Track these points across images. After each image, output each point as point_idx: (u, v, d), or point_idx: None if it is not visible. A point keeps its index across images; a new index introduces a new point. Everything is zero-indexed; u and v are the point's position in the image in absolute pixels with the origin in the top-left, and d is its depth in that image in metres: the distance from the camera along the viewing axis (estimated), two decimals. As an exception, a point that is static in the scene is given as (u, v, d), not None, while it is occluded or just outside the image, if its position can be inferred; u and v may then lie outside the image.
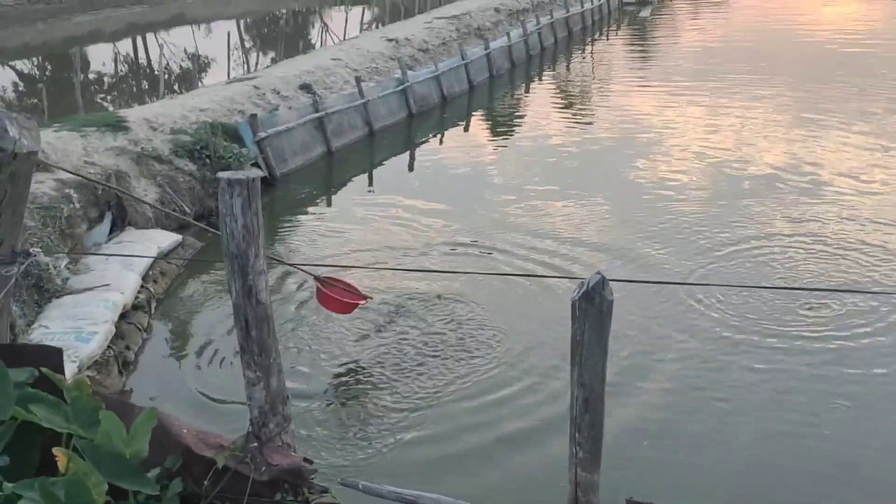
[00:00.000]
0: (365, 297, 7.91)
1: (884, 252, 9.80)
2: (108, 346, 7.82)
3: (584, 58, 27.43)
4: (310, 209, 12.65)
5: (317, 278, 7.69)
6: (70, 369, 6.77)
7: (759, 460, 6.17)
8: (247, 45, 32.67)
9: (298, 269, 8.26)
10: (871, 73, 21.21)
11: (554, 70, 25.56)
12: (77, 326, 7.76)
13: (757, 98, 18.82)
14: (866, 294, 8.60)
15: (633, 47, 29.34)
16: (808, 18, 33.32)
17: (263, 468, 4.20)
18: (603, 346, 3.70)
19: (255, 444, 4.28)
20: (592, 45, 30.04)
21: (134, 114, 12.97)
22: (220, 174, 4.05)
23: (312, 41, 32.25)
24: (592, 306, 3.60)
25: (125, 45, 30.88)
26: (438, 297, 9.00)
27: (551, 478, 5.61)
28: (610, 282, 3.63)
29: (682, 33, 31.71)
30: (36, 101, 18.80)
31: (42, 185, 9.56)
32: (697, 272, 9.41)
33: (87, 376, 7.18)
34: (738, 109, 17.84)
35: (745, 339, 7.93)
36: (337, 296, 7.67)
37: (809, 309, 8.39)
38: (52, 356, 4.33)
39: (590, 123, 17.73)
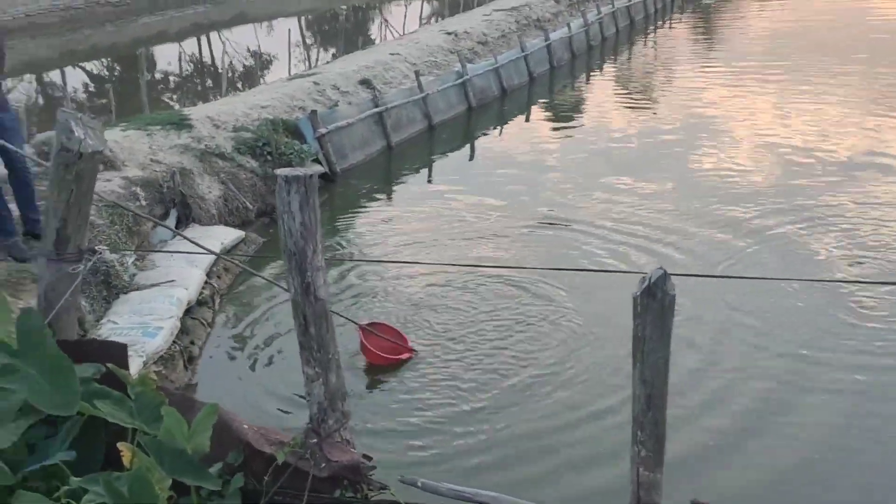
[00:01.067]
0: (410, 351, 7.69)
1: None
2: (174, 341, 7.94)
3: (646, 47, 27.01)
4: (370, 204, 12.70)
5: (361, 327, 7.57)
6: (136, 364, 6.92)
7: (829, 472, 5.94)
8: (307, 41, 32.98)
9: (340, 315, 8.02)
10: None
11: (615, 60, 25.21)
12: (143, 321, 7.90)
13: (829, 85, 18.26)
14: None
15: (697, 35, 28.77)
16: (882, 2, 32.19)
17: (323, 464, 4.20)
18: (665, 342, 3.60)
19: (315, 440, 4.29)
20: (655, 33, 29.55)
21: (197, 112, 13.18)
22: (278, 171, 4.06)
23: (372, 36, 32.42)
24: (654, 301, 3.51)
25: (190, 45, 31.47)
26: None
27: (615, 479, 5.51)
28: (672, 276, 3.53)
29: (748, 19, 30.95)
30: (105, 101, 19.26)
31: (110, 184, 9.78)
32: (763, 265, 9.18)
33: (154, 371, 7.34)
34: (808, 97, 17.34)
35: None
36: (377, 350, 7.51)
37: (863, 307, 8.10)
38: (117, 352, 4.41)
39: (653, 113, 17.45)
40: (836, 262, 9.20)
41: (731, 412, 6.65)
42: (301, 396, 6.66)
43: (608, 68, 23.96)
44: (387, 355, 7.56)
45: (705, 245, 9.91)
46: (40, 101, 23.40)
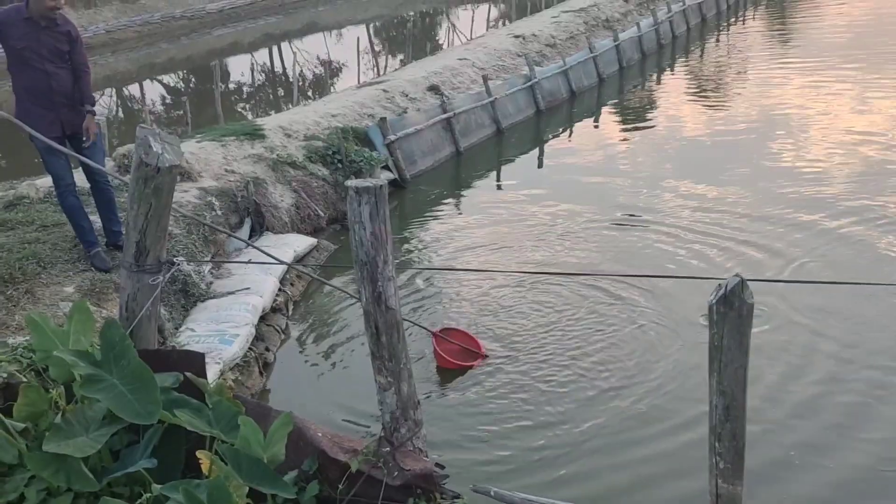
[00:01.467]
0: (482, 356, 7.71)
1: None
2: (249, 348, 8.09)
3: (718, 44, 26.46)
4: (440, 209, 12.74)
5: (434, 334, 7.64)
6: (214, 371, 7.07)
7: None
8: (376, 48, 33.30)
9: (412, 323, 7.97)
10: None
11: (687, 59, 24.75)
12: (220, 329, 8.06)
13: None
14: None
15: (772, 31, 28.05)
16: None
17: (396, 473, 4.23)
18: (744, 352, 3.51)
19: (388, 448, 4.32)
20: (728, 30, 28.93)
21: (270, 122, 13.42)
22: (348, 182, 4.10)
23: (440, 41, 32.55)
24: (732, 310, 3.43)
25: (262, 55, 32.10)
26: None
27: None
28: (749, 282, 3.44)
29: (826, 12, 30.00)
30: (181, 112, 19.80)
31: (186, 194, 10.03)
32: (843, 266, 8.89)
33: (230, 378, 7.49)
34: (889, 91, 16.73)
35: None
36: (449, 356, 7.57)
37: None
38: (195, 361, 4.52)
39: (727, 112, 17.07)
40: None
41: (813, 425, 6.44)
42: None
43: (679, 67, 23.54)
44: (458, 361, 7.57)
45: (783, 244, 9.65)
46: (121, 114, 24.20)
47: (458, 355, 7.63)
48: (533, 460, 6.21)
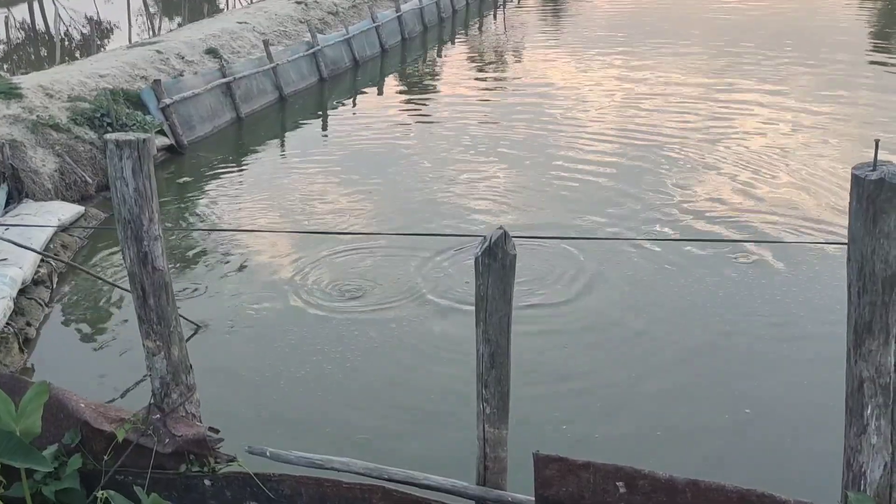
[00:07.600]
0: None
1: (787, 206, 10.15)
2: (7, 323, 7.48)
3: (496, 21, 27.39)
4: (221, 176, 12.33)
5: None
6: (-37, 348, 6.48)
7: (663, 422, 6.22)
8: (151, 10, 31.50)
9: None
10: (778, 37, 21.67)
11: (466, 33, 25.47)
12: (-28, 304, 7.41)
13: (668, 60, 19.10)
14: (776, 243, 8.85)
15: (544, 10, 29.42)
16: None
17: (167, 440, 4.07)
18: (507, 301, 3.67)
19: (158, 415, 4.15)
20: (504, 7, 30.01)
21: (28, 80, 12.39)
22: (108, 136, 3.88)
23: (220, 5, 31.32)
24: (495, 262, 3.58)
25: (21, 11, 29.43)
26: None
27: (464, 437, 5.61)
28: (513, 238, 3.61)
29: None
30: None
31: (-72, 157, 9.06)
32: (606, 228, 9.58)
33: (-16, 355, 6.89)
34: (648, 70, 18.09)
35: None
36: None
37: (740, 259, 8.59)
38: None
39: (503, 87, 17.78)
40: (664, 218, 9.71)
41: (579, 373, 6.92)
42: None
43: (459, 41, 24.18)
44: None
45: (554, 207, 10.24)
46: None
47: None
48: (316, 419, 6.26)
